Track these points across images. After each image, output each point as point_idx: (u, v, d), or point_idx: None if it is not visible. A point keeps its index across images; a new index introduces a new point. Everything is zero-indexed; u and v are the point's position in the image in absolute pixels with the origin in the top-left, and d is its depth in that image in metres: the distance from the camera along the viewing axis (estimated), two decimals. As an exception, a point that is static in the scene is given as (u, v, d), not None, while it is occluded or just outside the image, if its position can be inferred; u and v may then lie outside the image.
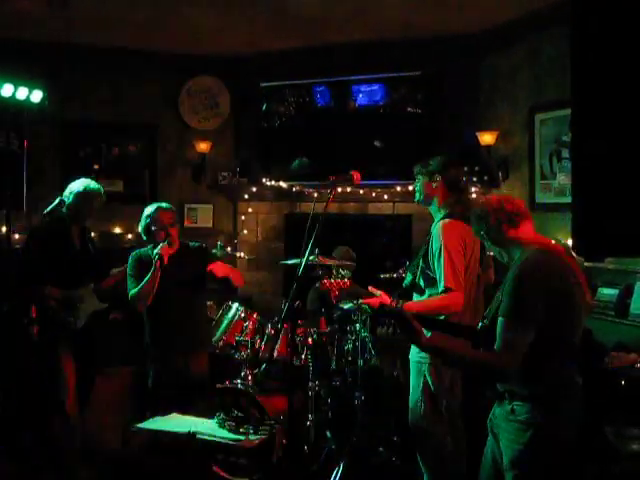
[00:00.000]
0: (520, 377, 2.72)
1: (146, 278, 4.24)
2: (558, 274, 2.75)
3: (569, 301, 2.77)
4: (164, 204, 4.51)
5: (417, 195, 4.04)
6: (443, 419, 3.88)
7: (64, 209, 4.75)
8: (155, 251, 4.24)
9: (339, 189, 3.46)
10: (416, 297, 3.96)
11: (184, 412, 3.83)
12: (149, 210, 4.43)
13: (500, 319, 2.69)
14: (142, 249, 4.54)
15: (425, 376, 3.83)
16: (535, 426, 2.73)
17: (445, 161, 3.98)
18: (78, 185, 4.82)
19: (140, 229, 4.48)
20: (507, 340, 2.66)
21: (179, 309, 4.37)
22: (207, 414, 3.93)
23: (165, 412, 3.82)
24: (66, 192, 4.82)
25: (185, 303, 4.41)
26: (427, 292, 3.86)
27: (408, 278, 4.07)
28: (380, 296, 3.78)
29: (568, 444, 2.77)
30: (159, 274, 4.17)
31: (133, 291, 4.33)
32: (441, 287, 3.67)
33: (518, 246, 2.88)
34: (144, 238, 4.50)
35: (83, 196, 4.77)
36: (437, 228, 3.80)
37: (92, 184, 4.86)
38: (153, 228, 4.36)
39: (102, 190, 4.90)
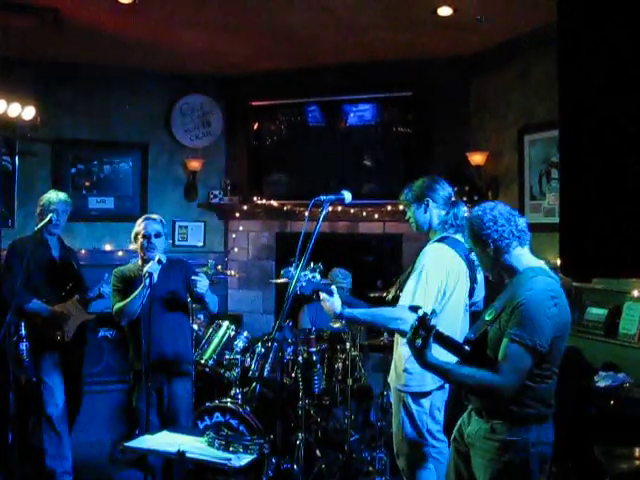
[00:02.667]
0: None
1: (134, 294, 4.19)
2: (565, 304, 2.76)
3: (567, 330, 2.79)
4: (153, 215, 4.53)
5: (413, 226, 3.95)
6: (426, 443, 3.86)
7: (53, 219, 4.82)
8: (145, 269, 4.14)
9: (330, 208, 3.44)
10: None
11: (171, 430, 3.80)
12: (137, 221, 4.45)
13: (508, 342, 2.65)
14: (125, 265, 4.57)
15: (404, 402, 3.81)
16: (516, 445, 2.72)
17: (428, 182, 3.89)
18: (44, 197, 5.00)
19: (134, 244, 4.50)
20: (515, 365, 2.64)
21: (162, 325, 4.28)
22: (195, 432, 3.91)
23: (153, 430, 3.79)
24: (36, 207, 4.99)
25: (168, 319, 4.36)
26: None
27: (392, 293, 4.02)
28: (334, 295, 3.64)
29: (548, 464, 2.78)
30: (148, 292, 4.09)
31: (118, 305, 4.28)
32: (406, 302, 3.53)
33: (519, 267, 2.84)
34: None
35: (50, 206, 4.90)
36: (425, 250, 3.76)
37: (58, 194, 5.04)
38: (139, 238, 4.35)
39: (68, 198, 5.07)
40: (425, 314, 2.65)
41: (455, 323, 3.70)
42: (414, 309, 2.80)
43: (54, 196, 4.99)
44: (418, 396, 3.76)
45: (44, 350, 4.84)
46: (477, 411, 2.88)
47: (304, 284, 3.72)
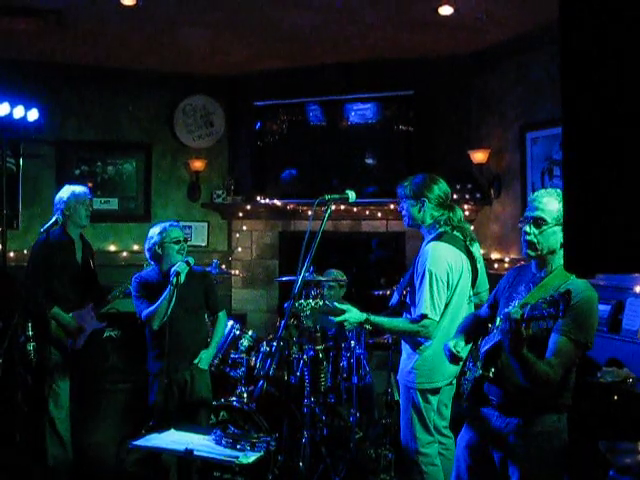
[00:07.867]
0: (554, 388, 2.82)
1: (164, 295, 4.24)
2: None
3: None
4: (171, 221, 4.62)
5: (405, 220, 3.96)
6: (434, 440, 3.88)
7: (59, 220, 4.76)
8: (174, 268, 4.20)
9: (333, 207, 3.45)
10: (405, 315, 3.92)
11: (184, 428, 3.83)
12: (158, 228, 4.47)
13: (565, 339, 2.72)
14: (144, 272, 4.61)
15: (413, 399, 3.83)
16: (551, 435, 2.83)
17: (427, 180, 3.88)
18: (65, 192, 4.86)
19: (149, 248, 4.47)
20: (567, 360, 2.74)
21: (185, 327, 4.43)
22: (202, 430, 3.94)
23: (163, 428, 3.81)
24: (56, 202, 4.85)
25: (190, 322, 4.50)
26: (413, 310, 3.84)
27: (395, 297, 4.04)
28: (348, 309, 3.70)
29: None
30: (175, 292, 4.16)
31: (148, 310, 4.35)
32: (418, 312, 3.67)
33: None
34: (149, 256, 4.51)
35: (74, 201, 4.82)
36: (424, 251, 3.78)
37: (78, 187, 4.93)
38: (166, 241, 4.39)
39: (88, 191, 4.99)
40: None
41: (459, 313, 3.79)
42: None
43: (81, 190, 4.91)
44: (428, 392, 3.79)
45: (52, 354, 4.77)
46: (501, 406, 2.90)
47: (308, 313, 3.79)
